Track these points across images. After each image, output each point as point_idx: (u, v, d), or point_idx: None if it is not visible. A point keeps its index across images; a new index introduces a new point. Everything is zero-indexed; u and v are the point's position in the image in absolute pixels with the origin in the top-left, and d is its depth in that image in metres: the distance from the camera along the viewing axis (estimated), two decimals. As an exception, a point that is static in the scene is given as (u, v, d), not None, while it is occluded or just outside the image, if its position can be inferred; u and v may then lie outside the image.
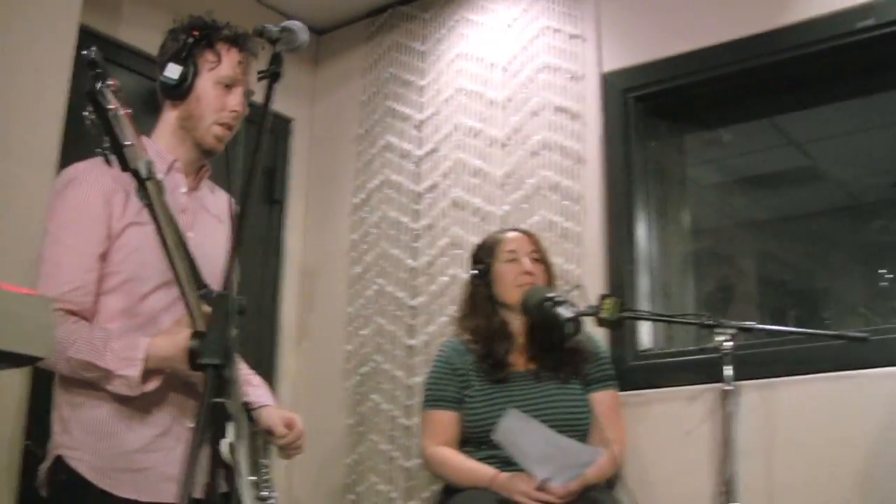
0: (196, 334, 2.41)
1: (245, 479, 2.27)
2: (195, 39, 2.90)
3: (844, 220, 5.95)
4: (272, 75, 2.48)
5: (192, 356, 2.42)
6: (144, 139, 2.60)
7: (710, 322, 3.39)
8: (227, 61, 2.90)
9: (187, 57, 2.88)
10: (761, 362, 3.69)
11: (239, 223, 2.35)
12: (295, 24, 2.52)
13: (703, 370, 3.52)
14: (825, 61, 4.14)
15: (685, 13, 4.32)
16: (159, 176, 2.35)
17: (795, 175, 5.78)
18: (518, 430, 3.40)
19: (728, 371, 3.28)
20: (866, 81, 4.47)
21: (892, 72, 4.34)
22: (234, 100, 2.89)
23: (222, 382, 2.15)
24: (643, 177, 4.42)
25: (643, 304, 4.19)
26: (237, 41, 2.91)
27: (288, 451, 2.91)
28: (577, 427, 3.61)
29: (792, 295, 6.03)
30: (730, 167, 5.49)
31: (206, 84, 2.88)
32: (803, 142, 5.41)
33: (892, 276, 5.78)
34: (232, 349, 2.17)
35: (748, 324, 3.39)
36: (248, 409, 2.72)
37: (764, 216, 5.92)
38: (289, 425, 2.89)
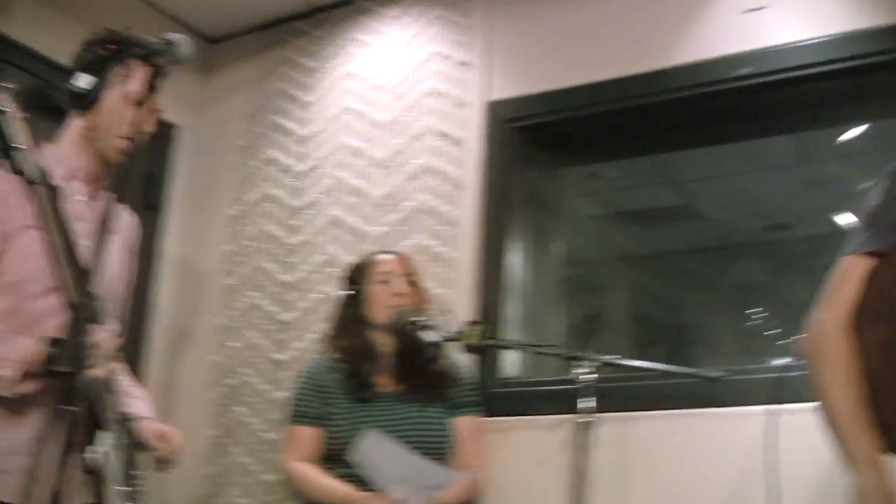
0: (53, 341, 2.40)
1: (114, 490, 2.27)
2: (109, 53, 2.89)
3: (717, 260, 6.08)
4: (150, 87, 2.49)
5: (48, 362, 2.41)
6: (47, 145, 2.60)
7: (572, 353, 3.44)
8: (138, 78, 2.88)
9: (99, 69, 2.88)
10: (621, 396, 3.72)
11: (104, 226, 2.36)
12: (177, 38, 2.53)
13: (564, 400, 3.51)
14: (704, 105, 4.25)
15: (572, 48, 4.40)
16: (57, 182, 2.33)
17: (672, 212, 5.89)
18: (376, 450, 3.43)
19: (586, 403, 3.32)
20: (743, 127, 4.59)
21: (767, 119, 4.46)
22: (141, 116, 2.87)
23: (75, 390, 2.15)
24: (520, 206, 4.46)
25: (512, 331, 4.24)
26: (150, 59, 2.90)
27: (161, 464, 2.90)
28: (437, 450, 3.64)
29: (662, 330, 6.14)
30: (609, 201, 5.58)
31: (115, 98, 2.88)
32: (681, 181, 5.51)
33: (760, 316, 5.92)
34: (84, 357, 2.16)
35: (608, 357, 3.44)
36: (125, 420, 2.71)
37: (639, 251, 6.02)
38: (163, 438, 2.89)
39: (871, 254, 2.38)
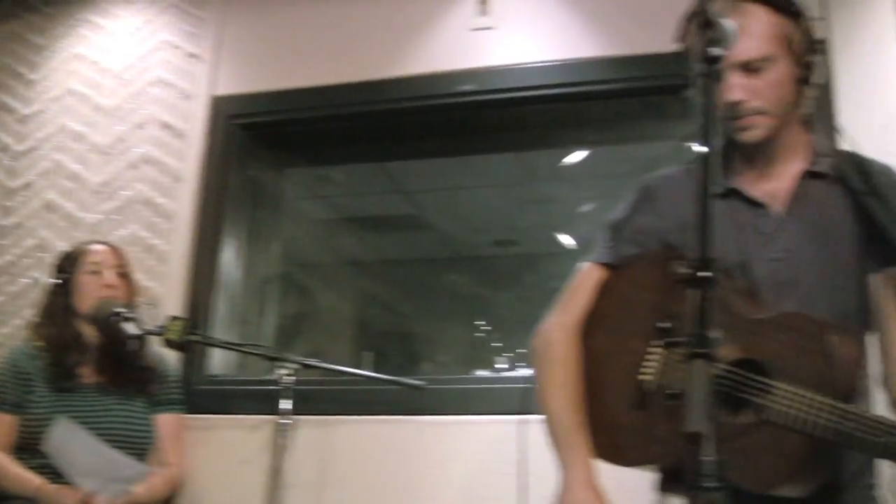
0: None
1: None
2: None
3: (444, 271, 6.17)
4: None
5: None
6: None
7: (273, 354, 3.45)
8: None
9: None
10: (323, 399, 3.78)
11: None
12: None
13: (267, 401, 3.52)
14: (430, 117, 4.34)
15: (303, 51, 4.41)
16: None
17: (401, 222, 5.95)
18: (67, 440, 3.35)
19: (285, 404, 3.33)
20: (469, 142, 4.70)
21: (492, 136, 4.58)
22: None
23: None
24: (240, 203, 4.44)
25: (220, 328, 4.21)
26: None
27: None
28: (136, 445, 3.57)
29: (385, 336, 6.19)
30: (338, 206, 5.59)
31: None
32: (412, 191, 5.57)
33: (484, 328, 6.04)
34: None
35: (309, 360, 3.45)
36: None
37: (366, 257, 6.05)
38: None
39: (606, 265, 2.43)
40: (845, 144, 2.49)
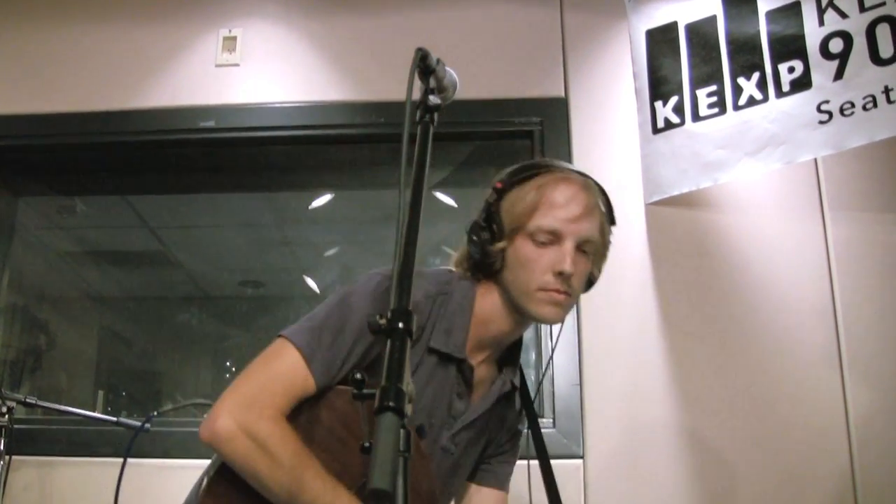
0: None
1: None
2: None
3: (193, 309, 6.05)
4: None
5: None
6: None
7: (-19, 391, 3.30)
8: None
9: None
10: (44, 439, 3.62)
11: None
12: None
13: (-17, 440, 3.37)
14: (172, 152, 4.29)
15: (44, 76, 4.28)
16: None
17: (148, 258, 5.81)
18: None
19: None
20: (214, 180, 4.63)
21: (235, 175, 4.52)
22: None
23: None
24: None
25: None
26: None
27: None
28: None
29: (126, 374, 6.02)
30: (81, 238, 5.42)
31: None
32: (158, 226, 5.46)
33: (231, 369, 5.95)
34: None
35: (22, 397, 3.32)
36: None
37: (110, 293, 5.87)
38: None
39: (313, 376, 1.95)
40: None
